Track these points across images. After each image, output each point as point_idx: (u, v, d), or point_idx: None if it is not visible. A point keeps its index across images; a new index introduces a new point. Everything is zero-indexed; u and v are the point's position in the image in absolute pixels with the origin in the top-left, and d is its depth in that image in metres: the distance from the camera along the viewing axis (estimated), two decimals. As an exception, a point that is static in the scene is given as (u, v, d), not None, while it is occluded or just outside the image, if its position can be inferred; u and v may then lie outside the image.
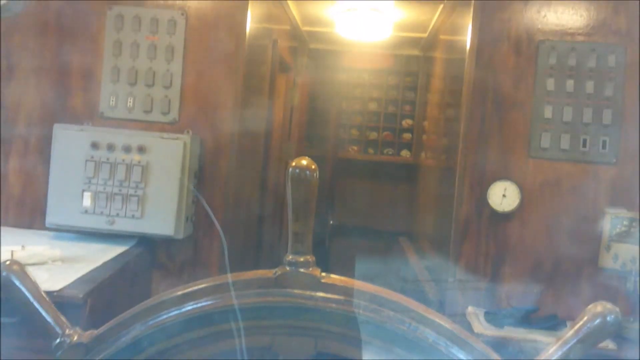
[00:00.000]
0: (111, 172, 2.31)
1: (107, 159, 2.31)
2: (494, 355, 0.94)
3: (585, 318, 0.95)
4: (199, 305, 1.02)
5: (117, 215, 2.31)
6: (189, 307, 1.02)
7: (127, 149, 2.31)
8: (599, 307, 0.95)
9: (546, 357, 0.95)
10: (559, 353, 0.95)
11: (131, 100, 2.48)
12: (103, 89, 2.48)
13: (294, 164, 1.01)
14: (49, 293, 1.26)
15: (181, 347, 1.01)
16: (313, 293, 0.99)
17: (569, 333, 0.96)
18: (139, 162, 2.31)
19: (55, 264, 2.02)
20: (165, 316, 1.02)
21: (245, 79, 2.56)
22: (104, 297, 1.90)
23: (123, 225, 2.31)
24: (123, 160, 2.31)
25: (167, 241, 2.40)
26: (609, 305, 0.96)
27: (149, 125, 2.47)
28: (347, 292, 0.99)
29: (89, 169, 2.30)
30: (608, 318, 0.95)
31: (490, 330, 2.07)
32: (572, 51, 2.41)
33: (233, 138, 2.51)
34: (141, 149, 2.31)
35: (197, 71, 2.49)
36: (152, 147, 2.31)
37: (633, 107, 2.37)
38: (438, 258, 2.88)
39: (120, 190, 2.31)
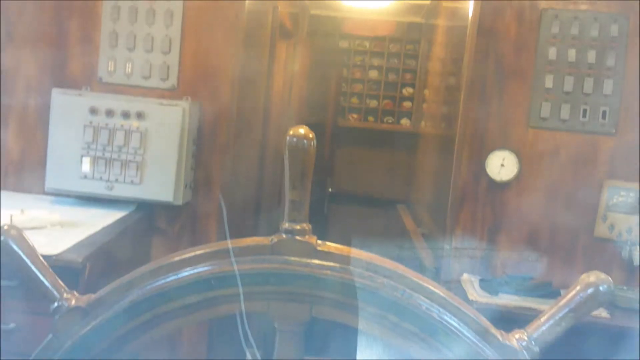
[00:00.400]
0: (110, 137, 2.31)
1: (106, 124, 2.31)
2: (485, 321, 0.95)
3: (578, 287, 0.96)
4: (196, 271, 1.03)
5: (116, 180, 2.31)
6: (186, 273, 1.03)
7: (125, 115, 2.31)
8: (592, 276, 0.96)
9: (538, 325, 0.97)
10: (551, 321, 0.96)
11: (130, 66, 2.47)
12: (101, 54, 2.46)
13: (291, 132, 1.01)
14: (47, 257, 1.27)
15: (178, 311, 1.03)
16: (309, 260, 1.00)
17: (561, 302, 0.97)
18: (138, 128, 2.31)
19: (54, 229, 2.03)
20: (162, 281, 1.03)
21: (245, 44, 2.54)
22: (102, 261, 1.91)
23: (122, 190, 2.32)
24: (122, 126, 2.31)
25: (166, 207, 2.41)
26: (602, 275, 0.97)
27: (148, 91, 2.46)
28: (343, 259, 1.00)
29: (88, 134, 2.30)
30: (601, 287, 0.96)
31: (485, 298, 2.10)
32: (574, 20, 2.38)
33: (232, 104, 2.50)
34: (140, 115, 2.30)
35: (196, 37, 2.46)
36: (151, 113, 2.31)
37: (634, 78, 2.35)
38: (435, 226, 2.90)
39: (119, 156, 2.31)
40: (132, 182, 2.31)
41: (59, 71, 2.47)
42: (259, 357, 1.16)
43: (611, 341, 1.95)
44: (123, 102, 2.31)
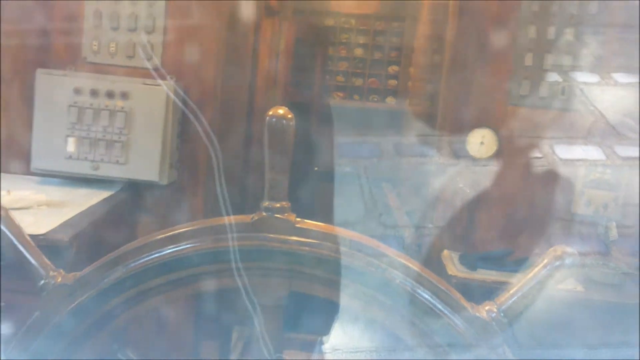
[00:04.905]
0: (95, 117, 2.32)
1: (91, 104, 2.31)
2: (456, 294, 1.00)
3: (545, 261, 1.01)
4: (179, 248, 1.06)
5: (102, 160, 2.33)
6: (170, 250, 1.07)
7: (110, 95, 2.31)
8: (558, 250, 1.01)
9: (507, 297, 1.01)
10: (519, 293, 1.01)
11: (114, 45, 2.46)
12: (85, 33, 2.46)
13: (270, 112, 1.04)
14: (34, 237, 1.29)
15: (162, 288, 1.06)
16: (287, 237, 1.03)
17: (529, 275, 1.01)
18: (122, 108, 2.31)
19: (40, 209, 2.05)
20: (146, 258, 1.06)
21: (229, 23, 2.54)
22: (89, 241, 1.94)
23: (107, 170, 2.34)
24: (106, 106, 2.31)
25: (151, 187, 2.43)
26: (568, 249, 1.01)
27: (132, 71, 2.46)
28: (321, 236, 1.04)
29: (73, 114, 2.31)
30: (567, 261, 1.00)
31: (463, 273, 2.15)
32: (555, -1, 2.41)
33: (217, 84, 2.51)
34: (124, 95, 2.31)
35: (180, 16, 2.46)
36: (135, 93, 2.32)
37: (610, 55, 2.39)
38: (418, 204, 2.94)
39: (104, 136, 2.32)
40: (117, 162, 2.33)
41: (43, 51, 2.46)
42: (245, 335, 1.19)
43: (586, 314, 2.02)
44: (107, 82, 2.32)
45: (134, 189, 2.44)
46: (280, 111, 1.03)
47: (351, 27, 6.66)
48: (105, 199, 2.26)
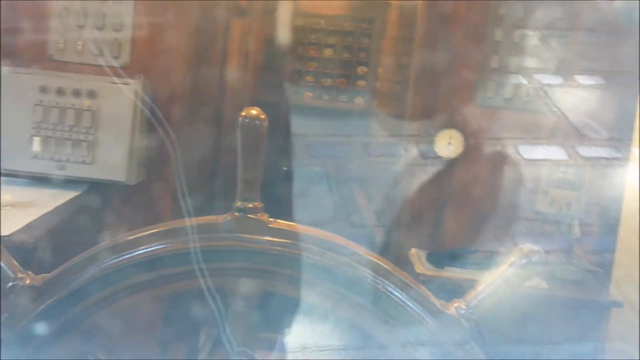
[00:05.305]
0: (61, 116, 2.28)
1: (57, 103, 2.28)
2: (426, 292, 1.02)
3: (512, 259, 1.03)
4: (150, 249, 1.06)
5: (68, 160, 2.30)
6: (141, 251, 1.06)
7: (77, 94, 2.28)
8: (524, 249, 1.03)
9: (475, 295, 1.03)
10: (487, 290, 1.03)
11: (81, 43, 2.43)
12: (52, 31, 2.42)
13: (243, 113, 1.04)
14: None
15: (132, 289, 1.05)
16: (260, 237, 1.04)
17: (497, 272, 1.04)
18: (89, 107, 2.29)
19: (5, 209, 2.01)
20: (117, 259, 1.06)
21: (199, 22, 2.53)
22: (55, 241, 1.91)
23: (74, 170, 2.30)
24: (73, 105, 2.28)
25: (119, 187, 2.41)
26: (534, 247, 1.04)
27: (99, 70, 2.43)
28: (293, 236, 1.05)
29: (38, 113, 2.27)
30: (533, 259, 1.03)
31: (431, 271, 2.19)
32: (521, 2, 2.46)
33: (186, 83, 2.50)
34: (91, 94, 2.28)
35: (148, 14, 2.44)
36: (103, 92, 2.29)
37: (573, 58, 2.45)
38: (386, 203, 2.97)
39: (70, 135, 2.29)
40: (84, 161, 2.30)
41: (8, 49, 2.41)
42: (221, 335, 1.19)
43: (550, 310, 2.07)
44: (74, 81, 2.29)
45: (101, 189, 2.41)
46: (253, 112, 1.03)
47: (321, 28, 6.67)
48: (71, 200, 2.23)
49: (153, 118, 2.34)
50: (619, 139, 2.40)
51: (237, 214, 1.05)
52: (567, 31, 2.45)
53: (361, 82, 6.63)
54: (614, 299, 2.28)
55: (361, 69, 6.65)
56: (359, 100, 6.64)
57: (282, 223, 1.06)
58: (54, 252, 1.87)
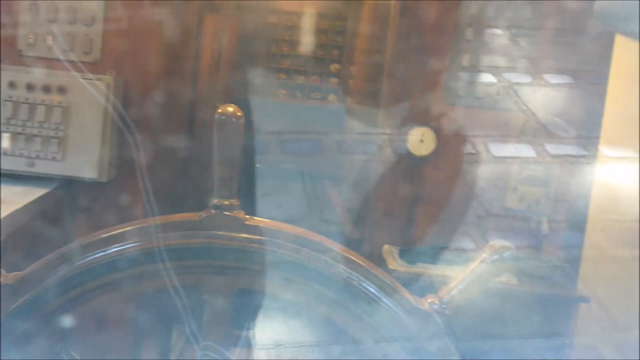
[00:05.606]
0: (30, 112, 2.25)
1: (26, 99, 2.24)
2: (400, 288, 1.03)
3: (484, 255, 1.06)
4: (125, 247, 1.06)
5: (37, 157, 2.26)
6: (115, 249, 1.06)
7: (47, 90, 2.25)
8: (496, 245, 1.06)
9: (448, 290, 1.05)
10: (460, 286, 1.05)
11: (51, 38, 2.39)
12: (21, 26, 2.38)
13: (220, 110, 1.04)
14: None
15: (106, 287, 1.05)
16: (236, 234, 1.04)
17: (469, 268, 1.06)
18: (60, 102, 2.26)
19: (-27, 207, 1.97)
20: (91, 257, 1.05)
21: (171, 18, 2.51)
22: (24, 240, 1.89)
23: (44, 167, 2.27)
24: (43, 100, 2.25)
25: (91, 184, 2.38)
26: (505, 244, 1.06)
27: (70, 65, 2.40)
28: (269, 233, 1.05)
29: (7, 109, 2.23)
30: (504, 255, 1.05)
31: (404, 267, 2.22)
32: (492, 2, 2.49)
33: (158, 79, 2.47)
34: (62, 90, 2.25)
35: (120, 9, 2.41)
36: (73, 87, 2.26)
37: (542, 57, 2.50)
38: (359, 200, 2.99)
39: (40, 131, 2.26)
40: (54, 158, 2.26)
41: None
42: (187, 332, 1.19)
43: (520, 306, 2.11)
44: (44, 76, 2.25)
45: (73, 186, 2.38)
46: (230, 109, 1.04)
47: (293, 25, 6.67)
48: (41, 197, 2.20)
49: (117, 116, 2.32)
50: (587, 137, 2.45)
51: (213, 211, 1.05)
52: (537, 30, 2.50)
53: (334, 80, 6.65)
54: (581, 295, 2.33)
55: (334, 67, 6.66)
56: (332, 98, 6.66)
57: (258, 220, 1.07)
58: (24, 251, 1.84)
